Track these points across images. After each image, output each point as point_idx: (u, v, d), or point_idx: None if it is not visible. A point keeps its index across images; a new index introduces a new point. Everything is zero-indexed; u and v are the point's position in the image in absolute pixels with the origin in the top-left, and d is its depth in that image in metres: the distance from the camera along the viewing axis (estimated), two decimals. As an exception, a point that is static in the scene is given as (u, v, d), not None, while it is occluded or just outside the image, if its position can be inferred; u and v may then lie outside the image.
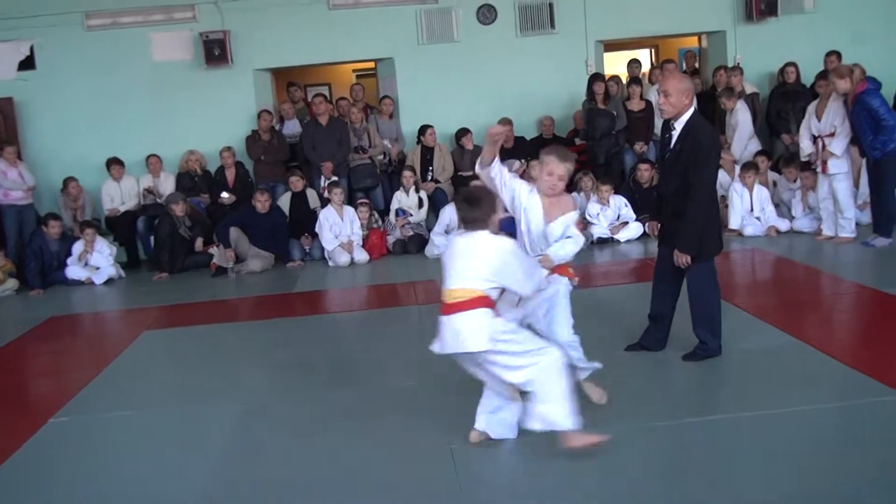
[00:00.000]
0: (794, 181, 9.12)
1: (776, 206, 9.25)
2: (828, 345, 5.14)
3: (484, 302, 3.71)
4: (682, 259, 4.77)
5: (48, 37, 10.66)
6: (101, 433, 4.71)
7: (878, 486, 3.37)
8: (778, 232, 8.94)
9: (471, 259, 3.77)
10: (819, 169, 8.34)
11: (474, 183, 4.35)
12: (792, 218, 9.08)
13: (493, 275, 3.71)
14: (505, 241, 3.78)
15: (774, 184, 9.52)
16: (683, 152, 4.73)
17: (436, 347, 3.89)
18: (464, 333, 3.69)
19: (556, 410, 3.63)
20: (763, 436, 3.91)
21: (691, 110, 4.79)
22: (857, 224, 8.50)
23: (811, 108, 8.52)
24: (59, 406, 5.08)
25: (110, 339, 6.97)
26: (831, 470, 3.55)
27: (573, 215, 4.18)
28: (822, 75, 8.66)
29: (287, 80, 12.21)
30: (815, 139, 8.34)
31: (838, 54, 9.76)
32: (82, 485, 4.00)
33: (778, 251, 8.27)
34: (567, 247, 4.12)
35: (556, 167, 4.09)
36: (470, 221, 3.85)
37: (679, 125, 4.78)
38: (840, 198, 8.18)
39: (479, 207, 3.82)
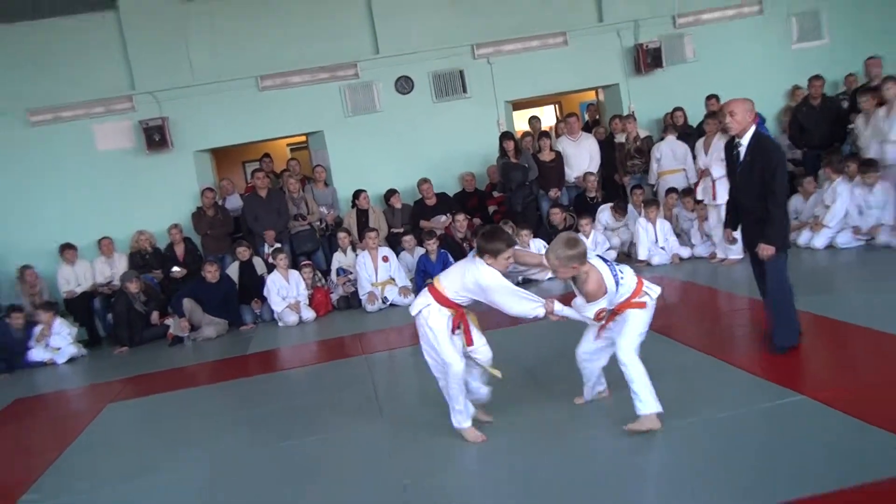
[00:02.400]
0: (692, 210, 9.40)
1: (678, 235, 9.54)
2: (732, 356, 5.31)
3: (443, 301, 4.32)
4: (767, 252, 4.98)
5: (-7, 135, 10.50)
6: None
7: (792, 476, 3.50)
8: (681, 259, 9.22)
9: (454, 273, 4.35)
10: (708, 199, 8.63)
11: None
12: (692, 245, 9.37)
13: (463, 290, 4.27)
14: (487, 275, 4.19)
15: (676, 216, 9.81)
16: (756, 162, 5.00)
17: None
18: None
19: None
20: (682, 446, 4.03)
21: (754, 126, 5.09)
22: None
23: (699, 144, 8.87)
24: (27, 485, 4.92)
25: (75, 415, 6.76)
26: (749, 469, 3.67)
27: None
28: (711, 115, 8.99)
29: (225, 157, 12.20)
30: (701, 172, 8.67)
31: (717, 97, 10.20)
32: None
33: (683, 276, 8.52)
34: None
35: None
36: (478, 249, 4.26)
37: (745, 140, 5.07)
38: (727, 224, 8.46)
39: (489, 241, 4.20)
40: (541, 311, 4.24)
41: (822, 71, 10.19)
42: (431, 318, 4.35)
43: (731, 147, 5.25)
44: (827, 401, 4.23)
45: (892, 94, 8.40)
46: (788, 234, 5.26)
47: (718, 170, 8.44)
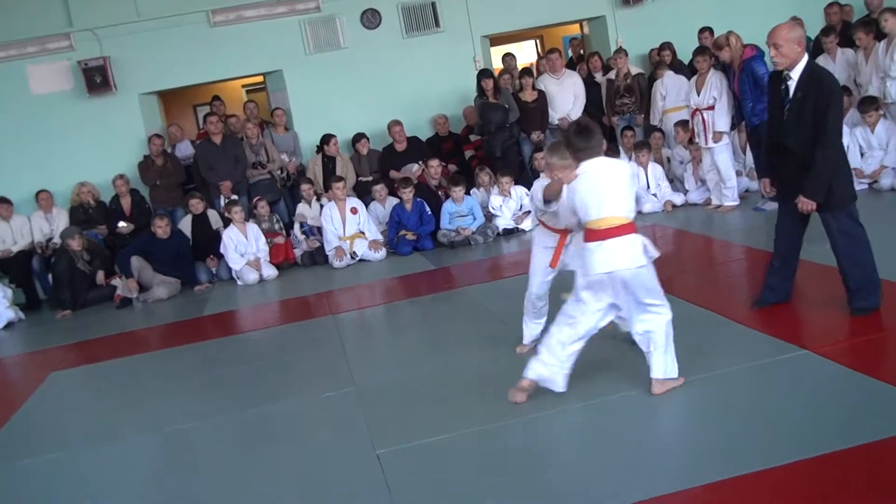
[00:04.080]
0: (686, 147, 9.33)
1: (671, 181, 9.50)
2: (729, 310, 5.30)
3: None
4: (807, 206, 4.64)
5: (-86, 78, 10.21)
6: (13, 485, 4.48)
7: (796, 432, 3.51)
8: (674, 206, 9.20)
9: (613, 188, 4.01)
10: (701, 141, 8.60)
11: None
12: (686, 191, 9.35)
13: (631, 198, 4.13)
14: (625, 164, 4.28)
15: (668, 160, 9.78)
16: (808, 99, 4.58)
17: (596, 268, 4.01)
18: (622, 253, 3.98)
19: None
20: (684, 402, 4.03)
21: (806, 57, 4.68)
22: (747, 190, 8.83)
23: (691, 83, 8.80)
24: (-34, 460, 4.85)
25: (15, 386, 6.67)
26: (752, 425, 3.67)
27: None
28: (699, 51, 8.91)
29: (175, 101, 11.97)
30: (693, 112, 8.62)
31: (711, 30, 10.10)
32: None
33: (675, 224, 8.52)
34: None
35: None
36: (587, 149, 4.02)
37: (796, 73, 4.65)
38: (721, 169, 8.46)
39: (594, 135, 4.05)
40: None
41: (816, 3, 10.12)
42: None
43: (777, 81, 4.86)
44: (831, 355, 4.23)
45: (890, 26, 8.34)
46: (850, 181, 4.82)
47: (710, 111, 8.40)
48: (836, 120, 4.63)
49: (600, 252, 3.97)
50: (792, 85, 4.69)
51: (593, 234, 4.00)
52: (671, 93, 9.80)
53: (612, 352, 4.75)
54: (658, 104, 9.93)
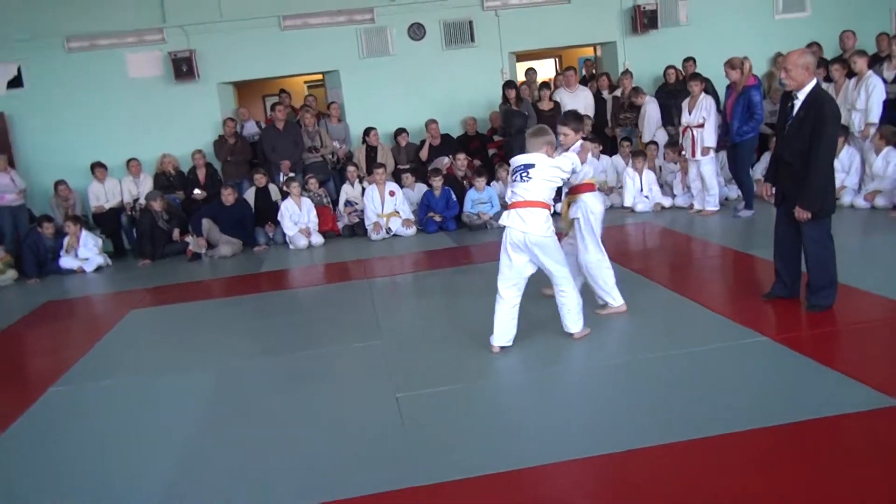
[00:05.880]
0: (675, 163, 9.28)
1: (661, 186, 9.43)
2: (703, 298, 5.28)
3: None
4: (803, 215, 4.53)
5: (33, 59, 10.29)
6: (94, 399, 4.59)
7: (747, 404, 3.49)
8: (663, 208, 9.13)
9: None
10: (689, 154, 8.54)
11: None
12: (673, 196, 9.28)
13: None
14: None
15: (660, 168, 9.70)
16: (808, 119, 4.46)
17: None
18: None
19: None
20: (644, 377, 4.02)
21: (813, 82, 4.53)
22: (727, 198, 8.75)
23: (684, 104, 8.71)
24: (56, 377, 4.96)
25: (101, 319, 6.77)
26: (712, 395, 3.67)
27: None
28: (693, 77, 8.82)
29: (247, 91, 12.00)
30: (684, 129, 8.55)
31: (693, 59, 10.05)
32: (79, 444, 3.91)
33: (663, 223, 8.45)
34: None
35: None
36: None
37: (802, 94, 4.52)
38: (706, 178, 8.39)
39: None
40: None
41: (802, 41, 9.96)
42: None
43: (786, 100, 4.74)
44: (787, 342, 4.21)
45: (859, 66, 8.31)
46: (832, 197, 4.69)
47: (700, 129, 8.31)
48: (829, 141, 4.50)
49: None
50: (797, 105, 4.58)
51: (592, 187, 5.04)
52: (654, 116, 9.84)
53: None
54: (651, 124, 9.90)
